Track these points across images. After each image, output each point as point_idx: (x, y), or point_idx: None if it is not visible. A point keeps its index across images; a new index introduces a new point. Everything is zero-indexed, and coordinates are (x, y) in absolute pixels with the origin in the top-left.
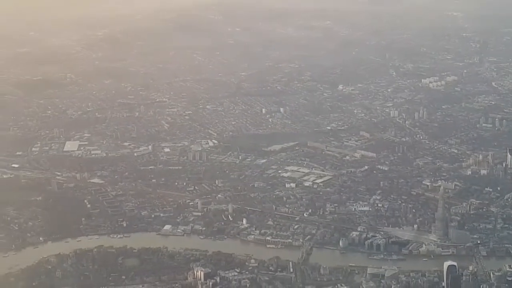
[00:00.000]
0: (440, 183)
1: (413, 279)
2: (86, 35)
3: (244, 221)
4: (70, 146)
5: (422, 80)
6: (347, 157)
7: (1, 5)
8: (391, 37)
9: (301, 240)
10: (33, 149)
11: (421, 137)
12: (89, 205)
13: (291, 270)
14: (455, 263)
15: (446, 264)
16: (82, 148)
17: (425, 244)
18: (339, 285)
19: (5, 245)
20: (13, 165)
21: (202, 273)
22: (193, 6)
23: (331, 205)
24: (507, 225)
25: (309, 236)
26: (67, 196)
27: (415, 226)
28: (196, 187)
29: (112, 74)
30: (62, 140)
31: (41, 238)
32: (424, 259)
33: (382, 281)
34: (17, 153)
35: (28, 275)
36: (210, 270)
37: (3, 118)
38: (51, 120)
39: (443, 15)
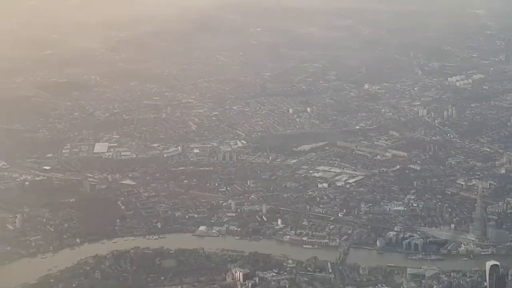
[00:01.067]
0: (474, 182)
1: (454, 279)
2: (109, 37)
3: (279, 221)
4: (100, 147)
5: (449, 78)
6: (378, 157)
7: (23, 8)
8: (414, 35)
9: (337, 240)
10: (63, 151)
11: (451, 136)
12: (122, 207)
13: (330, 270)
14: (498, 263)
15: (489, 264)
16: (111, 149)
17: (463, 244)
18: (379, 285)
19: (43, 246)
20: (44, 167)
21: (241, 274)
22: (215, 6)
23: (365, 205)
24: None
25: (345, 236)
26: (100, 198)
27: (452, 225)
28: (228, 188)
29: (136, 75)
30: (91, 141)
31: (77, 240)
32: (463, 258)
33: (423, 281)
34: (48, 155)
35: (67, 276)
36: (248, 271)
37: (32, 120)
38: (79, 122)
39: (466, 13)
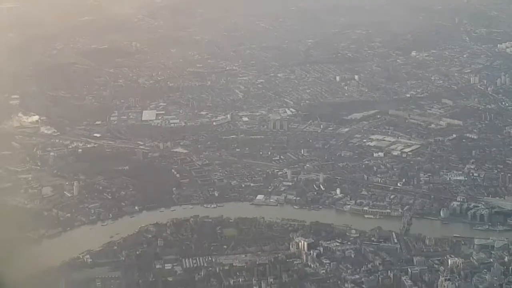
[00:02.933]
0: None
1: None
2: (146, 2)
3: (338, 191)
4: (148, 115)
5: (498, 45)
6: (433, 125)
7: None
8: (458, 1)
9: (399, 211)
10: (111, 118)
11: (506, 104)
12: (177, 175)
13: (395, 240)
14: None
15: None
16: (160, 117)
17: None
18: (447, 256)
19: (102, 214)
20: (94, 135)
21: (305, 243)
22: None
23: (424, 174)
24: None
25: (407, 207)
26: (153, 166)
27: None
28: (281, 157)
29: (177, 42)
30: (139, 109)
31: (136, 208)
32: None
33: (493, 252)
34: (96, 122)
35: (130, 244)
36: (313, 240)
37: (77, 87)
38: (123, 89)
39: None
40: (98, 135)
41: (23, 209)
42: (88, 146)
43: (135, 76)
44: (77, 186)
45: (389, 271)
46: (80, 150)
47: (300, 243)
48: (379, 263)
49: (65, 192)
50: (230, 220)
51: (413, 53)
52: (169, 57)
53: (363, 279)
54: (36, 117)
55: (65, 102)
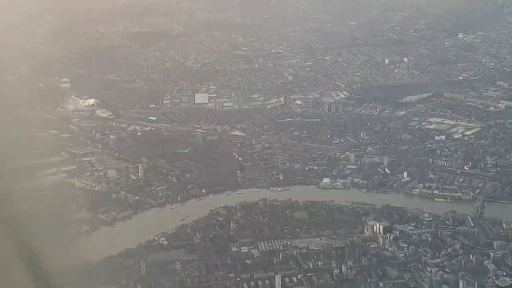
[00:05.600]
0: None
1: None
2: None
3: (405, 174)
4: (201, 98)
5: None
6: (491, 108)
7: None
8: None
9: (471, 194)
10: (164, 101)
11: None
12: (239, 158)
13: (472, 224)
14: None
15: None
16: (212, 100)
17: None
18: None
19: (170, 197)
20: (150, 118)
21: (381, 227)
22: None
23: (490, 157)
24: None
25: (478, 190)
26: (213, 149)
27: None
28: (341, 140)
29: (218, 25)
30: (190, 92)
31: (203, 191)
32: None
33: None
34: (150, 105)
35: (203, 227)
36: (388, 224)
37: (125, 71)
38: (172, 72)
39: None
40: (153, 118)
41: (91, 191)
42: (146, 129)
43: (182, 59)
44: (141, 169)
45: (470, 255)
46: (139, 133)
47: (375, 227)
48: (459, 247)
49: (130, 175)
50: (299, 204)
51: (460, 35)
52: (212, 40)
53: (445, 263)
54: (92, 100)
55: (116, 85)
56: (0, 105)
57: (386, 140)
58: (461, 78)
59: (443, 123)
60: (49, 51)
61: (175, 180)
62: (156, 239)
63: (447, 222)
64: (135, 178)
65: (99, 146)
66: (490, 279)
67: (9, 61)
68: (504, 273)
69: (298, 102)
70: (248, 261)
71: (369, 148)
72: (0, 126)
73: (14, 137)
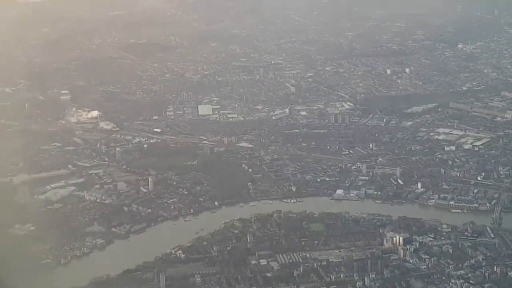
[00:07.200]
0: None
1: None
2: None
3: (419, 185)
4: (205, 110)
5: None
6: (498, 118)
7: None
8: None
9: (487, 205)
10: (167, 113)
11: None
12: (249, 170)
13: (492, 235)
14: None
15: None
16: (216, 112)
17: None
18: None
19: (183, 209)
20: (155, 130)
21: (400, 238)
22: None
23: (503, 168)
24: None
25: (494, 201)
26: (222, 160)
27: None
28: (350, 151)
29: (215, 36)
30: (192, 104)
31: (216, 203)
32: None
33: None
34: (154, 117)
35: (219, 239)
36: (408, 235)
37: (124, 82)
38: (172, 84)
39: None
40: (158, 130)
41: (102, 204)
42: (151, 141)
43: (181, 71)
44: (151, 181)
45: (494, 267)
46: (145, 146)
47: (394, 238)
48: (481, 258)
49: (140, 187)
50: (315, 215)
51: (460, 46)
52: (210, 51)
53: (469, 275)
54: (95, 113)
55: (117, 97)
56: (2, 117)
57: (396, 151)
58: (465, 88)
59: (452, 133)
60: (45, 63)
61: (186, 193)
62: (173, 252)
63: (466, 233)
64: (145, 190)
65: (106, 159)
66: None
67: (6, 73)
68: None
69: (303, 113)
70: (269, 274)
71: (380, 159)
72: (4, 138)
73: (19, 150)
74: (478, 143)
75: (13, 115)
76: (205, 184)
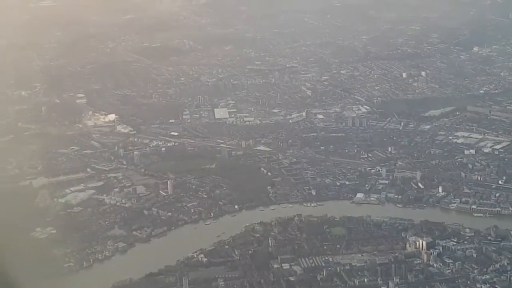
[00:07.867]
0: None
1: None
2: (190, 0)
3: (440, 189)
4: (221, 113)
5: None
6: None
7: None
8: None
9: (510, 209)
10: (184, 116)
11: None
12: (268, 173)
13: None
14: None
15: None
16: (233, 115)
17: None
18: None
19: (203, 213)
20: (172, 133)
21: (424, 242)
22: None
23: None
24: None
25: None
26: (240, 164)
27: None
28: (369, 154)
29: (229, 40)
30: (209, 107)
31: (236, 206)
32: None
33: None
34: (170, 120)
35: (240, 243)
36: (431, 239)
37: (140, 86)
38: (188, 87)
39: None
40: (175, 133)
41: (122, 207)
42: (169, 144)
43: (196, 74)
44: (170, 185)
45: None
46: (163, 149)
47: (417, 242)
48: (506, 263)
49: (160, 191)
50: (336, 219)
51: (475, 49)
52: (225, 54)
53: (494, 279)
54: (112, 116)
55: (133, 101)
56: (20, 120)
57: (415, 155)
58: (482, 91)
59: (470, 137)
60: (60, 66)
61: (206, 196)
62: (195, 256)
63: (489, 238)
64: (165, 194)
65: (124, 162)
66: None
67: (22, 77)
68: None
69: (320, 116)
70: (292, 278)
71: (399, 163)
72: (22, 142)
73: (37, 153)
74: (497, 147)
75: (30, 119)
76: (225, 188)
